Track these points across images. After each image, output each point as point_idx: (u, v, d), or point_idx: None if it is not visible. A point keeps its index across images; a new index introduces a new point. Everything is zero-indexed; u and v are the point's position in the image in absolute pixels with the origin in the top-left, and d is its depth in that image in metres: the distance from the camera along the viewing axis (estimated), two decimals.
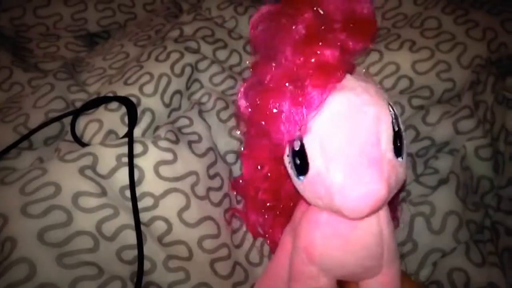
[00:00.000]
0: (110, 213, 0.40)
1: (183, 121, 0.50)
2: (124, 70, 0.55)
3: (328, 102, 0.32)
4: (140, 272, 0.38)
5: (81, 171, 0.40)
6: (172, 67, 0.53)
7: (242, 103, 0.36)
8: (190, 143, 0.47)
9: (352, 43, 0.35)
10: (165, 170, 0.43)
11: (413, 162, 0.49)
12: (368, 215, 0.31)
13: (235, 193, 0.49)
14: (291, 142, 0.34)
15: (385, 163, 0.30)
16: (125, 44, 0.64)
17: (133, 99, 0.50)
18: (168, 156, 0.44)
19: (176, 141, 0.46)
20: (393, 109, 0.33)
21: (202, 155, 0.47)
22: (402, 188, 0.43)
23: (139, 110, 0.50)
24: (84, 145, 0.47)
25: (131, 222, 0.40)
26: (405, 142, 0.33)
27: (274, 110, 0.33)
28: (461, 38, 0.55)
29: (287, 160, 0.35)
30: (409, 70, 0.54)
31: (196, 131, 0.49)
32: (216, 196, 0.46)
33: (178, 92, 0.53)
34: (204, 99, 0.55)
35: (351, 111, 0.32)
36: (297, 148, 0.33)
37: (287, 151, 0.35)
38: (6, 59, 0.62)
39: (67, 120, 0.51)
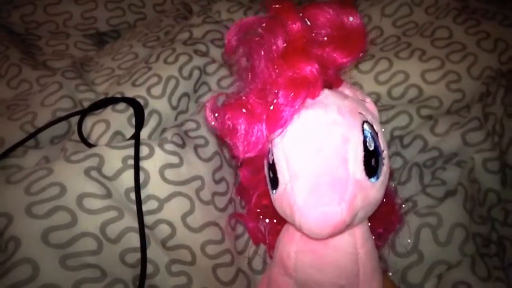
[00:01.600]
0: (115, 215, 0.39)
1: (190, 125, 0.50)
2: (132, 71, 0.55)
3: (296, 119, 0.32)
4: (142, 276, 0.38)
5: (87, 172, 0.40)
6: (180, 70, 0.53)
7: (208, 115, 0.36)
8: (196, 147, 0.47)
9: (339, 57, 0.34)
10: (170, 174, 0.43)
11: (420, 173, 0.48)
12: (331, 236, 0.30)
13: (239, 198, 0.49)
14: (266, 156, 0.34)
15: (350, 184, 0.30)
16: (134, 44, 0.64)
17: (141, 101, 0.50)
18: (174, 159, 0.44)
19: (183, 145, 0.46)
20: (372, 128, 0.33)
21: (208, 160, 0.47)
22: (393, 208, 0.43)
23: (146, 112, 0.49)
24: (90, 145, 0.47)
25: (135, 225, 0.40)
26: (385, 161, 0.33)
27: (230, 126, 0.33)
28: (472, 48, 0.55)
29: (266, 171, 0.35)
30: (419, 79, 0.54)
31: (202, 135, 0.49)
32: (221, 201, 0.46)
33: (185, 94, 0.53)
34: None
35: (318, 129, 0.31)
36: (271, 162, 0.33)
37: (266, 162, 0.35)
38: (15, 56, 0.63)
39: (75, 119, 0.51)
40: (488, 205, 0.48)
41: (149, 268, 0.39)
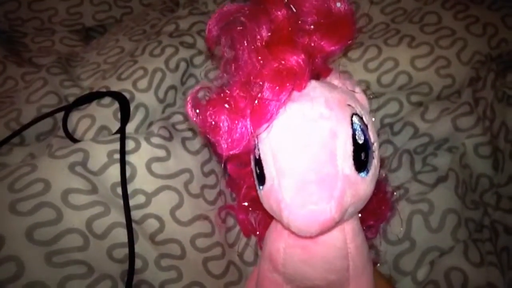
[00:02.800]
0: (101, 211, 0.39)
1: (178, 117, 0.49)
2: (118, 65, 0.54)
3: (282, 112, 0.31)
4: (131, 271, 0.38)
5: (71, 167, 0.39)
6: (166, 62, 0.52)
7: (190, 111, 0.34)
8: (184, 140, 0.46)
9: (326, 45, 0.33)
10: (157, 167, 0.43)
11: (411, 159, 0.48)
12: (320, 234, 0.30)
13: (229, 190, 0.48)
14: (253, 152, 0.33)
15: (339, 180, 0.29)
16: (120, 38, 0.64)
17: (127, 95, 0.49)
18: (161, 153, 0.43)
19: (170, 138, 0.45)
20: (361, 120, 0.32)
21: (196, 152, 0.46)
22: (385, 201, 0.42)
23: (132, 106, 0.49)
24: (75, 141, 0.46)
25: (122, 219, 0.39)
26: (375, 154, 0.32)
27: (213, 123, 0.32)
28: (461, 33, 0.54)
29: (252, 167, 0.34)
30: (408, 66, 0.53)
31: (190, 128, 0.48)
32: (210, 194, 0.46)
33: (172, 87, 0.52)
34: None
35: (305, 124, 0.30)
36: (257, 157, 0.32)
37: (252, 158, 0.34)
38: None
39: (60, 115, 0.50)
40: (480, 190, 0.47)
41: (138, 263, 0.39)
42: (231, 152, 0.32)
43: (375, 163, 0.32)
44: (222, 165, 0.32)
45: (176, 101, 0.53)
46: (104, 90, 0.50)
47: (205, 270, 0.42)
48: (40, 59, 0.65)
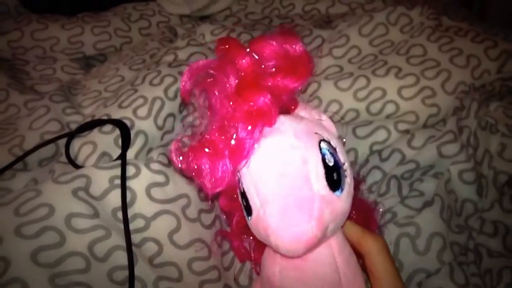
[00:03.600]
0: (102, 234, 0.40)
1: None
2: (118, 93, 0.56)
3: (257, 148, 0.34)
4: None
5: (74, 192, 0.41)
6: (165, 91, 0.54)
7: (174, 159, 0.38)
8: None
9: (290, 83, 0.36)
10: (156, 192, 0.44)
11: (398, 185, 0.50)
12: (307, 252, 0.32)
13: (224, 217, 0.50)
14: (239, 187, 0.36)
15: (316, 201, 0.32)
16: (120, 67, 0.66)
17: (127, 122, 0.51)
18: (160, 178, 0.45)
19: (168, 164, 0.47)
20: (329, 145, 0.35)
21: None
22: (370, 218, 0.44)
23: (132, 133, 0.51)
24: (78, 167, 0.48)
25: (123, 243, 0.41)
26: (347, 173, 0.35)
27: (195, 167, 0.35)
28: (446, 65, 0.57)
29: (240, 200, 0.37)
30: (395, 95, 0.56)
31: None
32: (207, 218, 0.47)
33: (171, 115, 0.54)
34: (197, 122, 0.56)
35: (279, 155, 0.34)
36: (242, 191, 0.35)
37: (238, 192, 0.37)
38: (3, 81, 0.64)
39: (62, 142, 0.52)
40: (465, 215, 0.49)
41: (137, 285, 0.40)
42: (215, 191, 0.35)
43: (348, 181, 0.35)
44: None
45: (174, 128, 0.55)
46: (105, 117, 0.52)
47: None
48: (42, 87, 0.67)
